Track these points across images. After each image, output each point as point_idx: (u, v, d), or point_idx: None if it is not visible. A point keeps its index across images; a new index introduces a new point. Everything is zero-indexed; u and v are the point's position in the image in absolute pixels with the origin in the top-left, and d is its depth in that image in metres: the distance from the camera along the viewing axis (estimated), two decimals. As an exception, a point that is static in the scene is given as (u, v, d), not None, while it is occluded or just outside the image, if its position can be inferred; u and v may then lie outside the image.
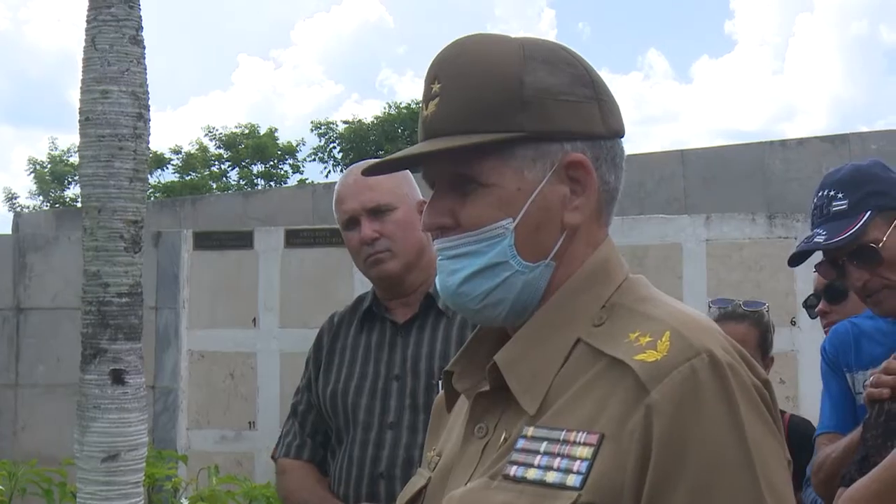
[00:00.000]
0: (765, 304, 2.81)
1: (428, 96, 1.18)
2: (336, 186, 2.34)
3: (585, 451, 1.03)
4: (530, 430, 1.09)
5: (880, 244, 2.02)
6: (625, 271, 1.19)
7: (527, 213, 1.14)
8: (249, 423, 6.94)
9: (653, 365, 1.04)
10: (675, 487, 1.00)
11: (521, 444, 1.08)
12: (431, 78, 1.18)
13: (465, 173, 1.15)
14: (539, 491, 1.04)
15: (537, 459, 1.06)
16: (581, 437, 1.04)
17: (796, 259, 2.14)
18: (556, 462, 1.04)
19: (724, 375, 1.03)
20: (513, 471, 1.07)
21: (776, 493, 1.02)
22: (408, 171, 1.23)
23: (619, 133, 1.20)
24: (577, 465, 1.03)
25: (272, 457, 2.53)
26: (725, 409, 1.02)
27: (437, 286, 1.20)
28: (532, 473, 1.05)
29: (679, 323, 1.08)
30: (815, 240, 2.06)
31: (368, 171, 1.27)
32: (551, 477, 1.04)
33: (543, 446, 1.06)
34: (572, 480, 1.02)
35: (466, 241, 1.15)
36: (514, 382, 1.12)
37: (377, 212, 2.23)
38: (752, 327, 2.71)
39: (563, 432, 1.06)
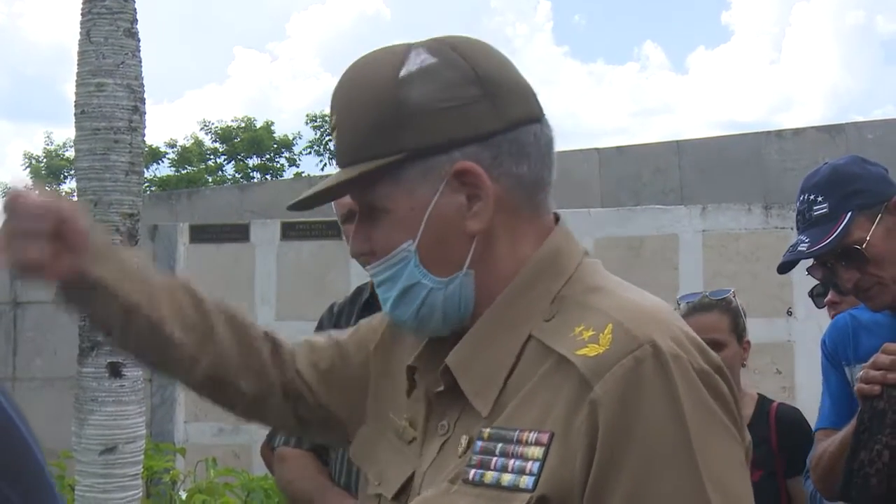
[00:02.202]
0: (730, 290, 2.84)
1: (331, 127, 1.18)
2: None
3: (537, 452, 1.03)
4: (486, 432, 1.08)
5: (864, 243, 2.04)
6: (577, 260, 1.16)
7: (425, 231, 1.12)
8: (247, 415, 6.95)
9: (594, 360, 1.02)
10: (615, 481, 0.99)
11: (478, 446, 1.08)
12: (331, 109, 1.17)
13: (368, 202, 1.15)
14: (495, 494, 1.04)
15: (493, 462, 1.05)
16: (532, 437, 1.04)
17: (785, 267, 2.17)
18: (511, 464, 1.04)
19: (665, 365, 1.01)
20: (471, 474, 1.06)
21: (719, 483, 1.01)
22: None
23: (522, 120, 1.14)
24: (529, 466, 1.02)
25: (261, 449, 2.52)
26: (667, 402, 1.01)
27: None
28: (489, 476, 1.05)
29: (623, 314, 1.06)
30: (799, 248, 2.08)
31: (292, 208, 1.26)
32: (506, 479, 1.03)
33: (499, 448, 1.06)
34: (525, 482, 1.02)
35: (382, 268, 1.15)
36: (467, 385, 1.11)
37: None
38: (722, 314, 2.74)
39: (517, 433, 1.05)
